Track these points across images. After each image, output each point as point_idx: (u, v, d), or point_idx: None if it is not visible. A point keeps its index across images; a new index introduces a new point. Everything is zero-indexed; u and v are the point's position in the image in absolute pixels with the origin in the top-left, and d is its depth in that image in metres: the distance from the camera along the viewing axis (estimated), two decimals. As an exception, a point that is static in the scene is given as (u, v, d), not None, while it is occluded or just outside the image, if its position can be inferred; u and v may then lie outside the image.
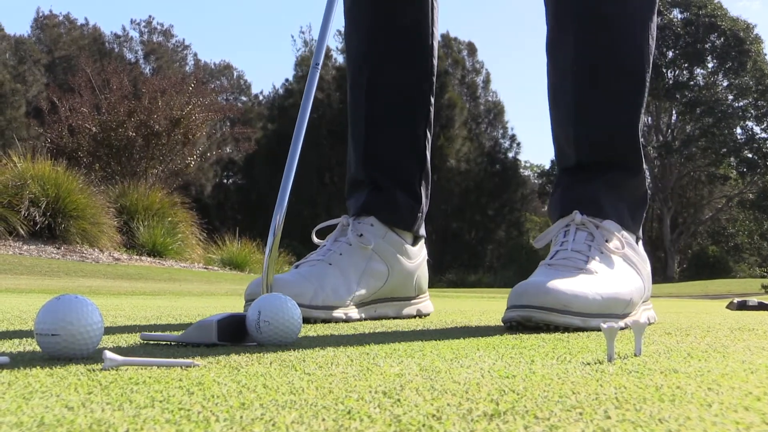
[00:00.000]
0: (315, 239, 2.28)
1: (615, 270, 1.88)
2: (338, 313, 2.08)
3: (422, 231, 2.41)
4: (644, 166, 2.13)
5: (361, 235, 2.24)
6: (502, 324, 1.77)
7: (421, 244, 2.42)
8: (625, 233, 1.98)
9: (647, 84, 2.09)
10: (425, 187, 2.41)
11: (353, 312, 2.14)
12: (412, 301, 2.36)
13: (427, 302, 2.42)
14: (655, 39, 2.10)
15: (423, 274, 2.40)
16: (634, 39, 2.06)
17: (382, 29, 2.36)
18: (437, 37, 2.40)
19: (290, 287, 1.94)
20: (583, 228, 1.93)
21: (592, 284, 1.76)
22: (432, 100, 2.40)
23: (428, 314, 2.40)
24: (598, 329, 1.69)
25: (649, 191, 2.13)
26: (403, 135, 2.38)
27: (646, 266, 2.02)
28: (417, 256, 2.38)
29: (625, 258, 1.93)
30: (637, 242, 2.04)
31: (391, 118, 2.37)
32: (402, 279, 2.31)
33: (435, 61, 2.40)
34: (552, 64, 2.13)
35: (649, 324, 1.96)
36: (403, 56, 2.37)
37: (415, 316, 2.35)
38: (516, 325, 1.71)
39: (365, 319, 2.17)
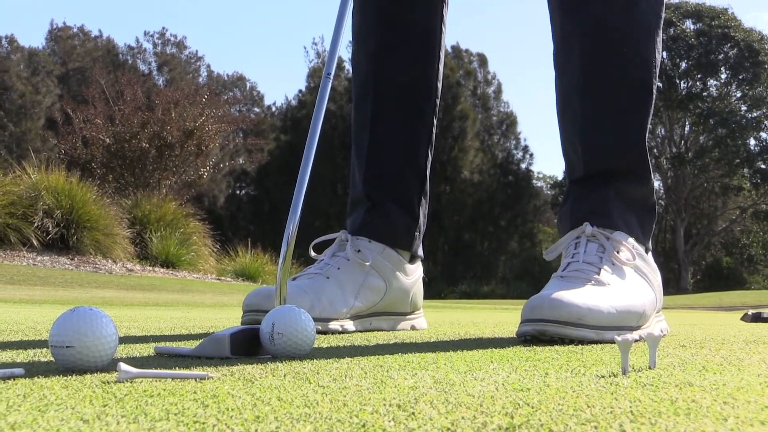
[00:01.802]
0: (312, 253, 2.29)
1: (627, 281, 1.87)
2: (334, 325, 2.10)
3: (420, 251, 2.42)
4: (652, 177, 2.13)
5: (359, 251, 2.26)
6: (516, 337, 1.77)
7: (418, 262, 2.44)
8: (635, 244, 1.98)
9: (654, 95, 2.11)
10: (424, 206, 2.42)
11: (349, 324, 2.16)
12: (408, 317, 2.38)
13: (421, 319, 2.45)
14: (661, 51, 2.11)
15: (418, 291, 2.42)
16: (640, 51, 2.07)
17: (389, 51, 2.39)
18: (442, 60, 2.43)
19: (287, 299, 1.95)
20: (593, 239, 1.93)
21: (606, 296, 1.76)
22: (435, 121, 2.43)
23: (423, 330, 2.41)
24: (613, 342, 1.68)
25: (660, 202, 2.13)
26: (406, 155, 2.40)
27: (657, 277, 2.02)
28: (414, 273, 2.40)
29: (637, 269, 1.93)
30: (646, 253, 2.04)
31: (394, 138, 2.40)
32: (399, 295, 2.33)
33: (440, 84, 2.43)
34: (559, 77, 2.15)
35: (662, 335, 1.96)
36: (409, 78, 2.40)
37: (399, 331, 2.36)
38: (530, 338, 1.70)
39: (360, 331, 2.19)
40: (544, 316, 1.67)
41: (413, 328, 2.38)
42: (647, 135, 2.11)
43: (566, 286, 1.78)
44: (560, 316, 1.66)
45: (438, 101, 2.43)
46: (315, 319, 2.03)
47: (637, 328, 1.83)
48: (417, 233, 2.39)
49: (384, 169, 2.38)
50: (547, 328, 1.67)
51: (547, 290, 1.77)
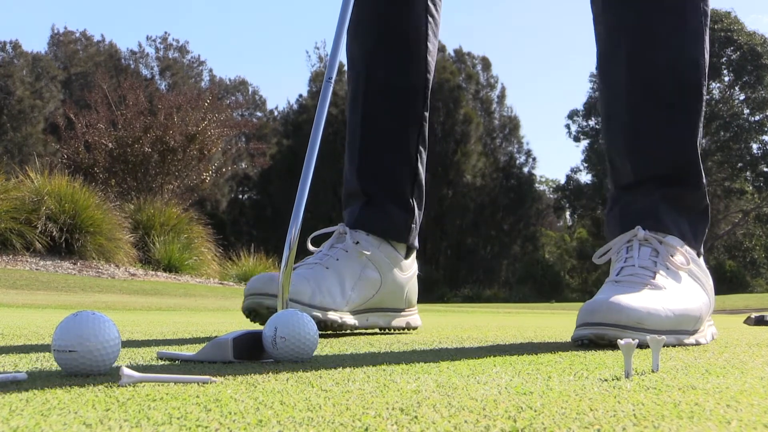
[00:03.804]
0: (310, 246, 2.30)
1: (682, 285, 1.87)
2: (333, 315, 2.12)
3: (415, 242, 2.44)
4: (704, 179, 2.08)
5: (358, 242, 2.29)
6: (572, 341, 1.75)
7: (413, 257, 2.46)
8: (687, 248, 1.97)
9: (704, 96, 2.06)
10: (418, 198, 2.44)
11: (348, 317, 2.18)
12: (402, 313, 2.40)
13: (415, 316, 2.47)
14: (708, 50, 2.07)
15: (413, 288, 2.44)
16: (689, 52, 2.03)
17: (382, 48, 2.42)
18: (433, 53, 2.44)
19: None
20: (646, 243, 1.91)
21: (663, 300, 1.75)
22: (426, 116, 2.44)
23: (417, 327, 2.44)
24: (672, 346, 1.70)
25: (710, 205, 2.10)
26: (397, 150, 2.43)
27: (709, 281, 2.01)
28: (409, 269, 2.42)
29: (690, 273, 1.93)
30: (698, 257, 2.03)
31: (385, 134, 2.43)
32: (393, 290, 2.35)
33: (430, 76, 2.45)
34: (603, 81, 2.12)
35: (713, 340, 1.96)
36: (398, 75, 2.43)
37: (404, 329, 2.40)
38: (587, 343, 1.69)
39: (358, 327, 2.22)
40: (603, 320, 1.66)
41: (408, 324, 2.40)
42: (699, 138, 2.06)
43: (622, 290, 1.76)
44: (619, 320, 1.65)
45: (428, 93, 2.45)
46: (315, 307, 2.06)
47: (694, 332, 1.83)
48: (413, 225, 2.42)
49: (376, 164, 2.42)
50: (606, 332, 1.65)
51: (603, 294, 1.76)
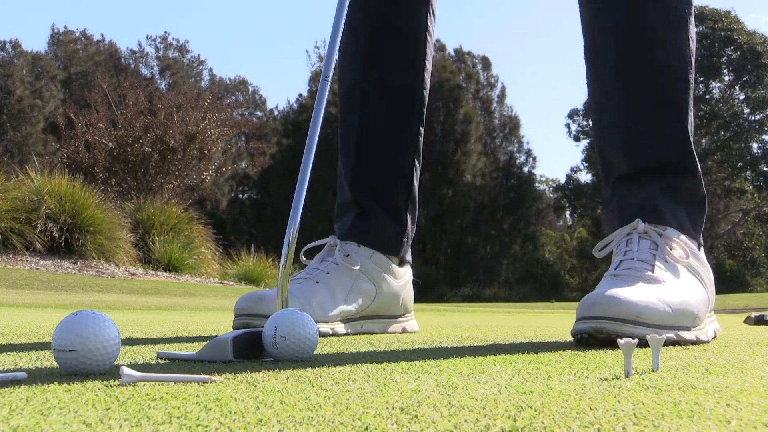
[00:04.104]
0: (303, 259, 2.30)
1: (681, 280, 1.86)
2: (324, 328, 2.11)
3: (408, 257, 2.44)
4: (699, 168, 2.08)
5: (348, 255, 2.28)
6: (571, 336, 1.75)
7: (407, 266, 2.45)
8: (687, 241, 1.97)
9: (692, 84, 2.07)
10: (411, 212, 2.44)
11: (339, 327, 2.18)
12: (398, 320, 2.40)
13: (412, 321, 2.46)
14: (694, 38, 2.07)
15: (409, 294, 2.44)
16: (675, 43, 2.04)
17: (373, 60, 2.41)
18: (429, 70, 2.43)
19: (276, 303, 1.95)
20: (645, 236, 1.91)
21: (661, 294, 1.75)
22: (421, 129, 2.44)
23: (414, 332, 2.42)
24: (673, 343, 1.70)
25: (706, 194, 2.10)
26: (391, 163, 2.42)
27: (709, 275, 2.00)
28: (403, 277, 2.41)
29: (689, 267, 1.92)
30: (698, 249, 2.02)
31: (380, 146, 2.41)
32: (389, 298, 2.35)
33: (426, 93, 2.44)
34: (592, 77, 2.12)
35: (715, 337, 1.96)
36: (394, 84, 2.41)
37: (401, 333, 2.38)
38: (587, 337, 1.69)
39: (351, 334, 2.21)
40: (601, 313, 1.66)
41: (404, 330, 2.40)
42: (690, 126, 2.07)
43: (620, 284, 1.76)
44: (618, 313, 1.65)
45: (424, 110, 2.43)
46: None
47: (693, 328, 1.82)
48: (405, 239, 2.41)
49: (370, 177, 2.40)
50: (604, 326, 1.65)
51: (601, 288, 1.75)
